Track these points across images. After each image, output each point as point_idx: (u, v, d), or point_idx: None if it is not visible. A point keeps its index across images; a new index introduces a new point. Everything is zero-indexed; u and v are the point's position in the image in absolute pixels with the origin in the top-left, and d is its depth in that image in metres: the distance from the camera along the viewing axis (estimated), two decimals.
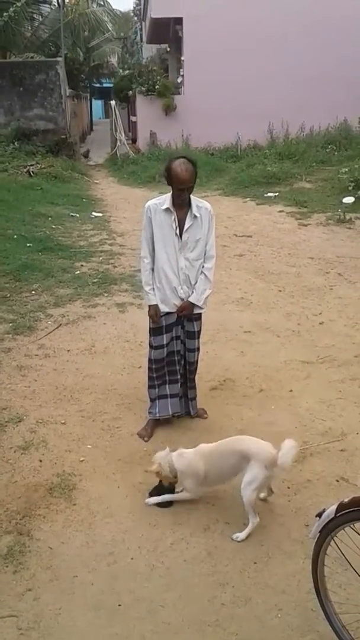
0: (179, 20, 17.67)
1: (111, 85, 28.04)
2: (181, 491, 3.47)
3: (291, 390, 4.74)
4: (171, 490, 3.46)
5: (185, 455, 3.39)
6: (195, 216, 3.86)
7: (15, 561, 2.97)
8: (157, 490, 3.48)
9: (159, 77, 18.34)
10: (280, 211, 11.55)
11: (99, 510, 3.37)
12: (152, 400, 4.22)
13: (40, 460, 3.79)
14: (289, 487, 3.57)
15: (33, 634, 2.60)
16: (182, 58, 18.17)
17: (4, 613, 2.69)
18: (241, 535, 3.15)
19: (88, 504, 3.42)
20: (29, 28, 21.26)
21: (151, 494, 3.48)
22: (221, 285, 7.17)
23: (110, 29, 28.58)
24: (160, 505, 3.42)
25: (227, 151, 17.44)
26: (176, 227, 3.85)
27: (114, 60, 36.03)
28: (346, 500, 2.18)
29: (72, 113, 19.07)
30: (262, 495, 3.37)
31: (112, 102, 19.72)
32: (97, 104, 44.69)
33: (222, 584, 2.87)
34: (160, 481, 3.46)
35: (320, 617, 2.45)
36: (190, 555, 3.05)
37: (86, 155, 18.36)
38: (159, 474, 3.39)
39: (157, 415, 4.19)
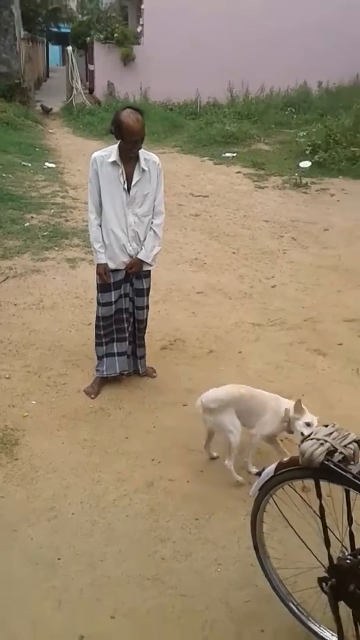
0: None
1: (69, 30, 26.80)
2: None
3: (240, 352, 4.76)
4: None
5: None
6: (143, 170, 3.72)
7: None
8: None
9: (117, 25, 17.63)
10: (238, 172, 11.45)
11: (42, 466, 3.33)
12: (100, 358, 4.16)
13: None
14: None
15: None
16: (142, 7, 17.47)
17: None
18: (229, 462, 3.27)
19: (30, 459, 3.37)
20: None
21: None
22: (175, 245, 7.09)
23: None
24: None
25: (186, 107, 17.11)
26: (124, 182, 3.71)
27: (73, 4, 34.37)
28: (285, 459, 2.21)
29: (27, 57, 18.17)
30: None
31: (69, 49, 18.86)
32: (55, 50, 42.83)
33: (163, 539, 2.89)
34: None
35: (259, 572, 2.50)
36: (133, 511, 3.06)
37: (47, 110, 17.51)
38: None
39: (105, 373, 4.14)
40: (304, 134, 12.80)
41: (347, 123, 12.41)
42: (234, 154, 12.71)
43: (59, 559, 2.74)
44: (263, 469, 2.30)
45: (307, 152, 11.94)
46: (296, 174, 10.88)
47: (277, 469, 2.23)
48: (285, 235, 7.84)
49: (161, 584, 2.65)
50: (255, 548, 2.46)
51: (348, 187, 10.42)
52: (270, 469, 2.25)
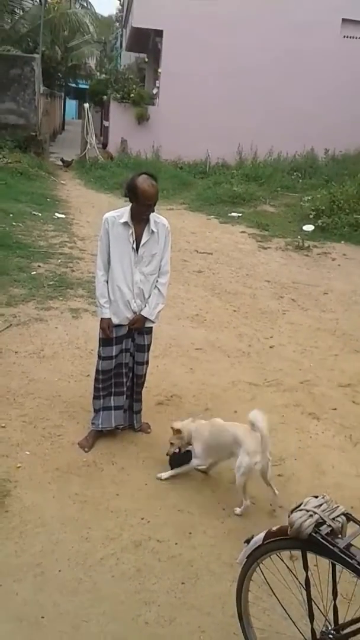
0: (159, 33, 17.80)
1: (87, 86, 27.90)
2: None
3: (236, 411, 4.78)
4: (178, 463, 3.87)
5: (198, 422, 3.85)
6: (152, 231, 3.89)
7: None
8: (173, 463, 3.88)
9: (134, 86, 18.41)
10: (242, 232, 11.73)
11: (32, 520, 3.33)
12: (96, 411, 4.20)
13: None
14: (223, 509, 3.61)
15: None
16: (159, 70, 18.29)
17: None
18: (239, 510, 3.55)
19: (20, 512, 3.37)
20: (9, 21, 20.99)
21: (171, 465, 3.88)
22: (177, 300, 7.22)
23: (90, 31, 28.43)
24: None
25: (196, 167, 17.64)
26: (133, 241, 3.87)
27: (92, 62, 35.90)
28: (274, 528, 2.22)
29: (45, 111, 18.88)
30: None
31: (86, 105, 19.60)
32: (71, 104, 44.36)
33: (147, 602, 2.87)
34: (170, 457, 3.88)
35: None
36: (119, 571, 3.04)
37: (68, 164, 18.04)
38: (177, 435, 3.78)
39: (100, 426, 4.17)
40: (309, 198, 13.18)
41: (351, 190, 12.79)
42: (240, 214, 13.05)
43: (42, 617, 2.71)
44: (252, 537, 2.32)
45: (311, 216, 12.27)
46: (299, 237, 11.15)
47: (265, 537, 2.24)
48: (286, 296, 7.99)
49: None
50: (240, 617, 2.45)
51: (349, 252, 10.66)
52: (258, 538, 2.27)
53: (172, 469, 3.87)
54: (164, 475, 3.82)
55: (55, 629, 2.67)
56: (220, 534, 3.40)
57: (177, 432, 3.79)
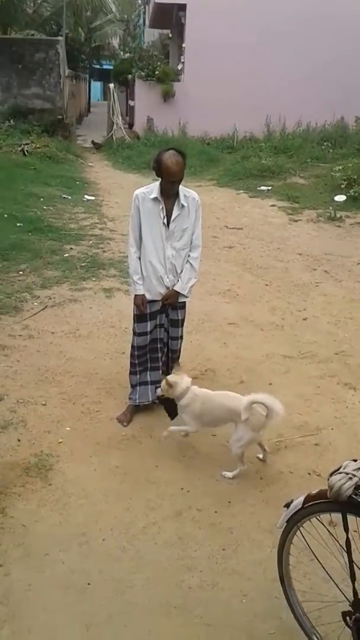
0: (182, 7, 17.53)
1: (111, 67, 27.73)
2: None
3: (271, 384, 4.80)
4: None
5: (191, 391, 3.77)
6: (182, 205, 3.88)
7: None
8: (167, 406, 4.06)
9: (159, 63, 18.23)
10: (273, 205, 11.59)
11: (74, 492, 3.42)
12: (133, 386, 4.26)
13: (19, 440, 3.83)
14: (261, 478, 3.65)
15: (2, 608, 2.64)
16: (184, 45, 18.05)
17: None
18: (228, 474, 3.60)
19: (63, 485, 3.46)
20: (31, 5, 20.97)
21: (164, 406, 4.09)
22: (209, 276, 7.21)
23: (113, 10, 28.20)
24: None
25: (223, 142, 17.44)
26: (164, 217, 3.87)
27: (115, 42, 35.60)
28: (314, 492, 2.24)
29: (70, 94, 18.88)
30: (260, 456, 3.79)
31: (111, 85, 19.55)
32: (96, 86, 44.20)
33: (190, 568, 2.94)
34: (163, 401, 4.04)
35: (284, 605, 2.53)
36: (161, 539, 3.11)
37: (98, 147, 18.07)
38: (167, 387, 3.76)
39: (137, 401, 4.24)
40: (340, 168, 12.88)
41: None
42: (269, 188, 12.87)
43: (88, 584, 2.80)
44: (291, 501, 2.34)
45: (343, 186, 12.01)
46: (331, 208, 10.95)
47: (305, 501, 2.26)
48: (319, 269, 7.89)
49: (187, 612, 2.68)
50: (281, 580, 2.49)
51: None
52: (298, 502, 2.29)
53: (166, 410, 4.08)
54: (173, 429, 3.88)
55: (101, 595, 2.76)
56: (259, 502, 3.43)
57: (169, 385, 3.76)
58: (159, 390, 3.88)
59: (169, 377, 3.82)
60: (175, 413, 3.97)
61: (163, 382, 3.79)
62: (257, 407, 3.50)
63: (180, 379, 3.79)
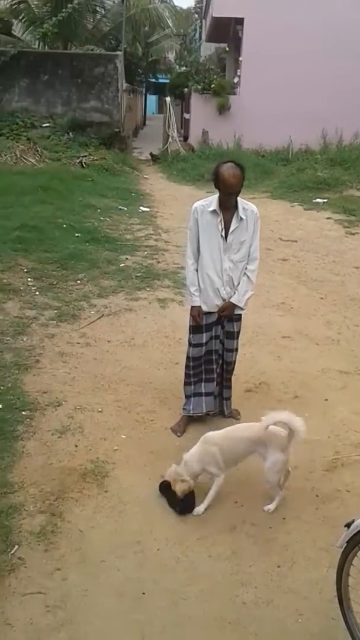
0: (239, 21, 17.63)
1: (166, 81, 28.10)
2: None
3: (326, 400, 4.73)
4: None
5: (192, 452, 3.49)
6: (241, 218, 3.89)
7: (46, 540, 3.08)
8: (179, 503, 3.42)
9: (215, 76, 18.36)
10: (328, 218, 11.44)
11: (129, 500, 3.46)
12: (187, 397, 4.28)
13: (76, 446, 3.90)
14: (317, 496, 3.59)
15: (59, 612, 2.69)
16: (240, 58, 18.12)
17: (33, 589, 2.80)
18: (271, 506, 3.41)
19: (119, 493, 3.51)
20: (91, 20, 21.47)
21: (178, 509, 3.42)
22: (263, 289, 7.16)
23: (170, 25, 28.58)
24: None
25: (278, 154, 17.34)
26: (222, 229, 3.90)
27: (171, 56, 36.08)
28: None
29: (127, 107, 19.22)
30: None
31: (167, 99, 19.78)
32: (151, 99, 44.86)
33: (244, 583, 2.91)
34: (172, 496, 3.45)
35: (341, 626, 2.47)
36: (216, 552, 3.10)
37: (156, 159, 18.41)
38: (180, 483, 3.38)
39: (191, 412, 4.25)
40: None
41: None
42: (325, 200, 12.71)
43: (143, 593, 2.82)
44: (352, 521, 2.30)
45: None
46: None
47: None
48: None
49: (242, 628, 2.66)
50: (340, 601, 2.44)
51: None
52: (359, 522, 2.25)
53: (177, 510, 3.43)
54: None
55: (155, 605, 2.77)
56: (315, 519, 3.38)
57: (179, 482, 3.39)
58: (179, 493, 3.39)
59: (166, 476, 3.47)
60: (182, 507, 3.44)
61: (177, 486, 3.38)
62: (277, 427, 3.36)
63: (171, 470, 3.48)
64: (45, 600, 2.74)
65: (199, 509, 3.41)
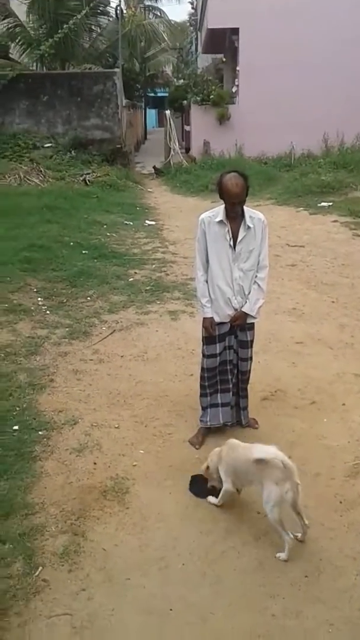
0: (235, 31, 17.75)
1: (165, 94, 28.35)
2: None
3: (344, 404, 4.68)
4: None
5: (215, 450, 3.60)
6: (248, 227, 3.89)
7: (70, 560, 3.06)
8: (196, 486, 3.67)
9: (214, 87, 18.47)
10: (334, 221, 11.41)
11: (151, 515, 3.43)
12: (204, 408, 4.26)
13: (95, 463, 3.89)
14: (341, 502, 3.54)
15: (86, 633, 2.67)
16: (238, 68, 18.23)
17: (59, 611, 2.78)
18: (283, 555, 3.09)
19: (140, 509, 3.48)
20: (88, 39, 21.72)
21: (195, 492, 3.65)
22: (273, 296, 7.14)
23: (166, 39, 28.86)
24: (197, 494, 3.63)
25: (280, 160, 17.37)
26: (230, 239, 3.90)
27: (168, 70, 36.42)
28: None
29: (128, 123, 19.38)
30: (298, 535, 3.21)
31: (167, 112, 19.92)
32: (151, 113, 45.24)
33: (272, 595, 2.87)
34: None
35: None
36: (242, 565, 3.07)
37: (159, 172, 18.54)
38: (206, 472, 3.58)
39: (209, 423, 4.23)
40: None
41: None
42: (330, 203, 12.70)
43: (171, 609, 2.79)
44: None
45: None
46: None
47: None
48: None
49: None
50: None
51: None
52: None
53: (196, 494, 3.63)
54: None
55: (183, 621, 2.74)
56: (340, 527, 3.34)
57: (206, 469, 3.54)
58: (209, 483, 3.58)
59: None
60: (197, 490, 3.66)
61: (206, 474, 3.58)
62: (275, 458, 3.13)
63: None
64: (72, 621, 2.72)
65: (213, 499, 3.52)
